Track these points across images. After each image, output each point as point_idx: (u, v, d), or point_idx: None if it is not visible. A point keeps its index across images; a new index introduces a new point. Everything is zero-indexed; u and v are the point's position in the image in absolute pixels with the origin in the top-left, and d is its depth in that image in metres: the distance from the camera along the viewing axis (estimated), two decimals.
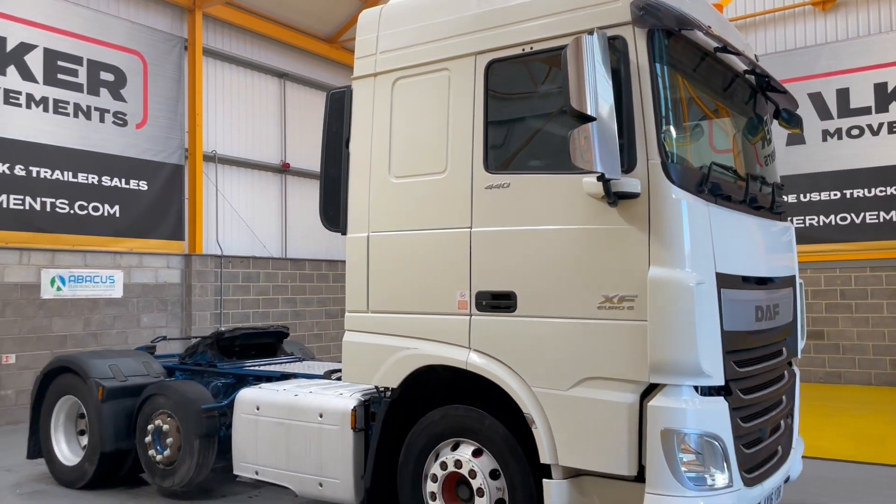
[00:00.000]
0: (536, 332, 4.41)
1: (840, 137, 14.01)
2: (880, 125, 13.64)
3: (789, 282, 5.43)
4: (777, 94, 5.60)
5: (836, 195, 13.99)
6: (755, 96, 5.51)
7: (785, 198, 5.95)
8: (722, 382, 4.16)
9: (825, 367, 13.83)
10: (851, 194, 13.84)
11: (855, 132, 13.87)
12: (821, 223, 14.06)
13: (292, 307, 14.89)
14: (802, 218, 14.21)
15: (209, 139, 13.81)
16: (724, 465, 4.15)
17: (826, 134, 14.12)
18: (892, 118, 13.51)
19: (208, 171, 13.71)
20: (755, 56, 5.87)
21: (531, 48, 4.53)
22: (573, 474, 4.34)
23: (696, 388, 4.09)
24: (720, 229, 4.28)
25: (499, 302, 4.57)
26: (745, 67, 5.08)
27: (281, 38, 15.10)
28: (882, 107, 13.63)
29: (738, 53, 4.74)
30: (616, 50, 4.18)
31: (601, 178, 3.95)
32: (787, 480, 5.20)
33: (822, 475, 7.12)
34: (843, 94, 13.99)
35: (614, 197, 4.05)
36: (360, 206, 5.22)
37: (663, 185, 4.04)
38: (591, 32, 3.96)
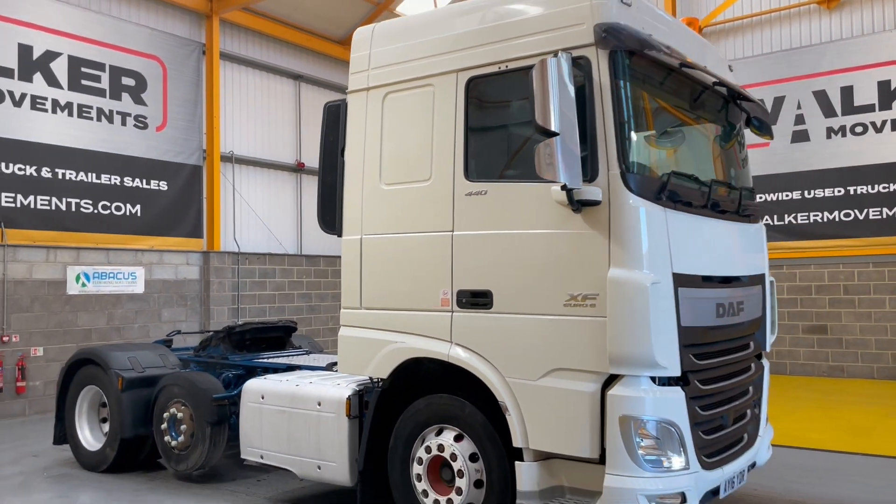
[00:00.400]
0: (510, 327, 4.82)
1: (844, 135, 14.20)
2: (883, 122, 13.81)
3: (758, 280, 5.77)
4: (748, 103, 5.91)
5: (839, 191, 14.19)
6: (726, 106, 5.85)
7: (759, 198, 6.25)
8: (678, 373, 4.54)
9: (828, 362, 14.07)
10: (855, 191, 14.04)
11: (859, 129, 14.05)
12: (825, 219, 14.27)
13: (308, 302, 15.38)
14: (807, 214, 14.43)
15: (226, 140, 14.32)
16: (681, 449, 4.54)
17: (830, 131, 14.31)
18: None
19: (226, 171, 14.23)
20: (730, 67, 6.22)
21: (506, 66, 4.92)
22: (543, 457, 4.74)
23: (653, 378, 4.47)
24: (679, 233, 4.64)
25: (477, 300, 4.98)
26: (713, 80, 5.41)
27: (295, 42, 15.57)
28: (886, 104, 13.79)
29: (700, 70, 5.07)
30: (581, 68, 4.56)
31: (564, 187, 4.34)
32: (753, 466, 5.56)
33: (802, 464, 7.45)
34: (847, 92, 14.16)
35: (577, 204, 4.44)
36: (353, 211, 5.66)
37: (622, 194, 4.43)
38: (555, 55, 4.35)
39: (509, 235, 4.85)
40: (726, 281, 5.29)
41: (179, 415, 6.96)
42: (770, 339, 5.99)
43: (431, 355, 5.17)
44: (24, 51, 11.22)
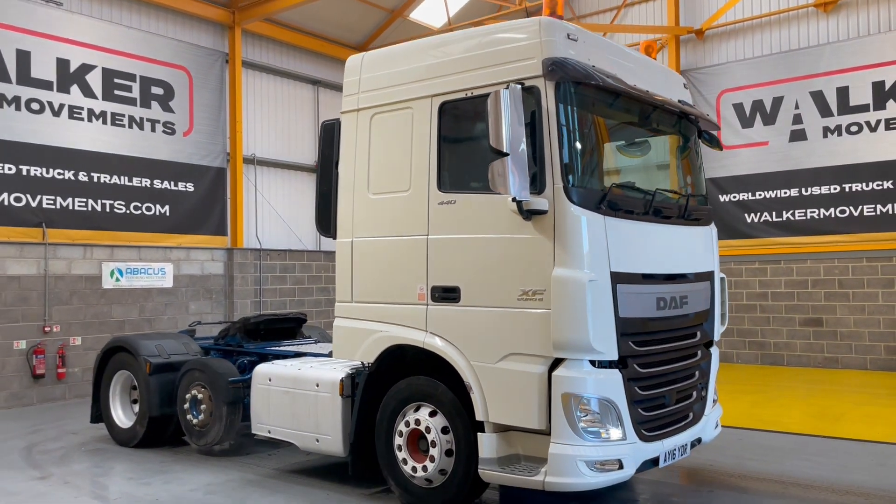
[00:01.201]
0: (474, 318, 5.61)
1: (840, 134, 14.69)
2: (878, 122, 14.29)
3: (705, 276, 6.47)
4: (698, 118, 6.59)
5: (836, 189, 14.71)
6: (679, 121, 6.55)
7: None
8: (615, 357, 5.29)
9: (823, 353, 14.62)
10: (850, 188, 14.54)
11: (854, 129, 14.54)
12: (821, 216, 14.79)
13: (326, 296, 16.27)
14: (804, 211, 14.97)
15: (249, 143, 15.24)
16: (618, 422, 5.30)
17: (826, 130, 14.82)
18: (889, 115, 14.15)
19: (248, 172, 15.16)
20: (684, 84, 6.91)
21: (472, 93, 5.70)
22: (502, 429, 5.52)
23: (593, 361, 5.23)
24: (618, 237, 5.38)
25: (447, 294, 5.78)
26: (662, 100, 6.10)
27: (314, 49, 16.43)
28: (880, 104, 14.26)
29: (640, 94, 5.77)
30: (532, 96, 5.32)
31: (514, 199, 5.11)
32: (699, 442, 6.27)
33: (764, 444, 8.13)
34: (843, 93, 14.65)
35: (527, 213, 5.22)
36: (346, 217, 6.48)
37: (565, 204, 5.19)
38: (507, 86, 5.12)
39: (473, 239, 5.63)
40: (671, 278, 6.01)
41: (200, 396, 7.85)
42: (719, 329, 6.68)
43: (410, 342, 5.99)
44: (62, 64, 12.20)
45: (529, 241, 5.33)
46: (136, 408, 8.47)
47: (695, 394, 6.29)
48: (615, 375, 5.31)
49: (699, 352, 6.36)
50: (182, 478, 7.11)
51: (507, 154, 5.00)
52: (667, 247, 6.04)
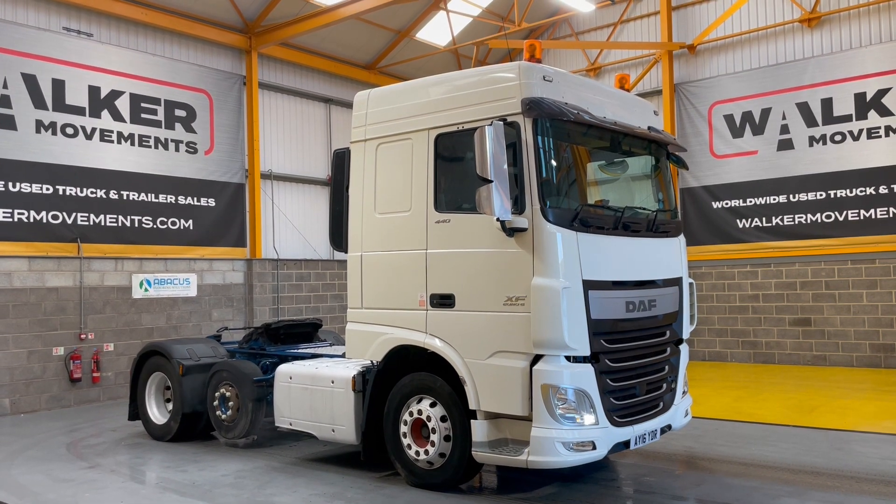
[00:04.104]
0: (467, 321, 6.50)
1: (825, 143, 15.48)
2: (860, 131, 15.08)
3: (674, 282, 7.31)
4: (665, 142, 7.45)
5: (821, 195, 15.50)
6: (649, 145, 7.41)
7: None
8: (588, 353, 6.15)
9: (812, 351, 15.40)
10: (835, 194, 15.33)
11: (838, 138, 15.33)
12: (808, 221, 15.58)
13: (339, 302, 17.18)
14: (792, 216, 15.77)
15: (265, 160, 16.22)
16: (592, 409, 6.16)
17: (812, 140, 15.61)
18: (871, 124, 14.94)
19: (265, 187, 16.13)
20: (654, 111, 7.77)
21: (462, 126, 6.60)
22: (491, 416, 6.39)
23: (568, 357, 6.09)
24: (589, 249, 6.24)
25: (444, 301, 6.67)
26: (629, 128, 6.97)
27: (325, 69, 17.40)
28: (862, 114, 15.05)
29: (609, 125, 6.64)
30: (514, 130, 6.21)
31: (498, 220, 6.00)
32: (669, 428, 7.10)
33: (736, 433, 8.96)
34: (827, 104, 15.45)
35: (510, 231, 6.11)
36: (356, 233, 7.40)
37: (541, 223, 6.06)
38: (491, 123, 6.01)
39: (465, 253, 6.53)
40: (641, 284, 6.87)
41: (227, 394, 8.77)
42: (688, 328, 7.51)
43: (412, 343, 6.89)
44: (94, 91, 13.21)
45: (512, 255, 6.20)
46: (170, 406, 9.39)
47: (665, 385, 7.12)
48: (588, 369, 6.16)
49: (669, 348, 7.20)
50: (214, 466, 8.02)
51: (491, 181, 5.88)
52: (636, 257, 6.88)
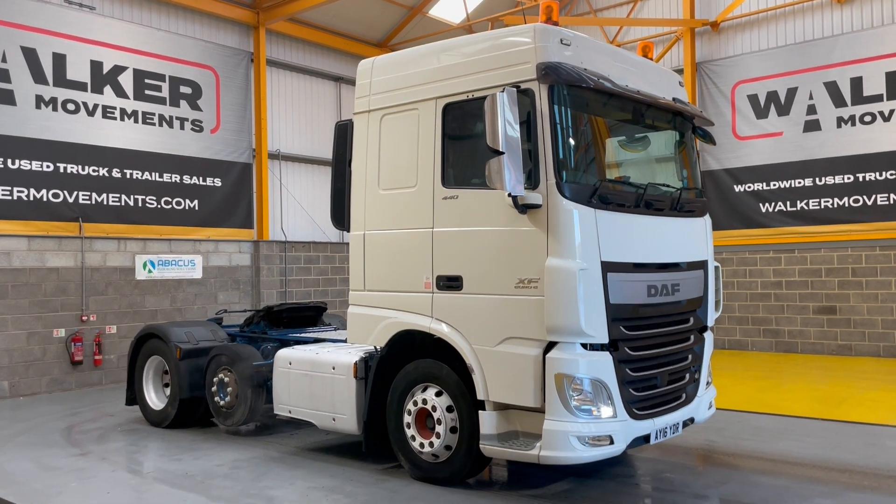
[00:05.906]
0: (475, 304, 6.04)
1: (853, 124, 14.84)
2: (891, 111, 14.42)
3: (698, 265, 6.82)
4: (691, 114, 6.92)
5: (849, 178, 14.88)
6: (673, 118, 6.90)
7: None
8: (606, 341, 5.68)
9: (837, 341, 14.83)
10: (864, 177, 14.70)
11: (867, 119, 14.68)
12: (835, 205, 14.97)
13: (349, 286, 16.74)
14: (818, 200, 15.16)
15: (273, 139, 15.79)
16: (609, 401, 5.70)
17: (840, 121, 14.97)
18: None
19: (273, 167, 15.71)
20: (679, 82, 7.24)
21: (472, 95, 6.11)
22: (501, 407, 5.95)
23: (585, 344, 5.63)
24: (609, 228, 5.76)
25: (451, 283, 6.22)
26: (653, 98, 6.46)
27: (335, 46, 16.91)
28: (893, 94, 14.39)
29: (631, 94, 6.13)
30: (527, 98, 5.72)
31: (509, 195, 5.52)
32: (692, 421, 6.64)
33: (762, 426, 8.48)
34: (856, 83, 14.79)
35: (522, 208, 5.63)
36: (358, 211, 6.95)
37: (557, 199, 5.58)
38: (503, 90, 5.52)
39: (474, 231, 6.06)
40: (663, 267, 6.38)
41: (226, 379, 8.38)
42: (713, 315, 7.02)
43: (417, 328, 6.44)
44: (96, 66, 12.80)
45: (525, 234, 5.73)
46: (168, 391, 9.03)
47: (687, 376, 6.64)
48: (606, 358, 5.70)
49: (692, 336, 6.72)
50: (210, 454, 7.64)
51: (502, 153, 5.41)
52: (659, 237, 6.39)
